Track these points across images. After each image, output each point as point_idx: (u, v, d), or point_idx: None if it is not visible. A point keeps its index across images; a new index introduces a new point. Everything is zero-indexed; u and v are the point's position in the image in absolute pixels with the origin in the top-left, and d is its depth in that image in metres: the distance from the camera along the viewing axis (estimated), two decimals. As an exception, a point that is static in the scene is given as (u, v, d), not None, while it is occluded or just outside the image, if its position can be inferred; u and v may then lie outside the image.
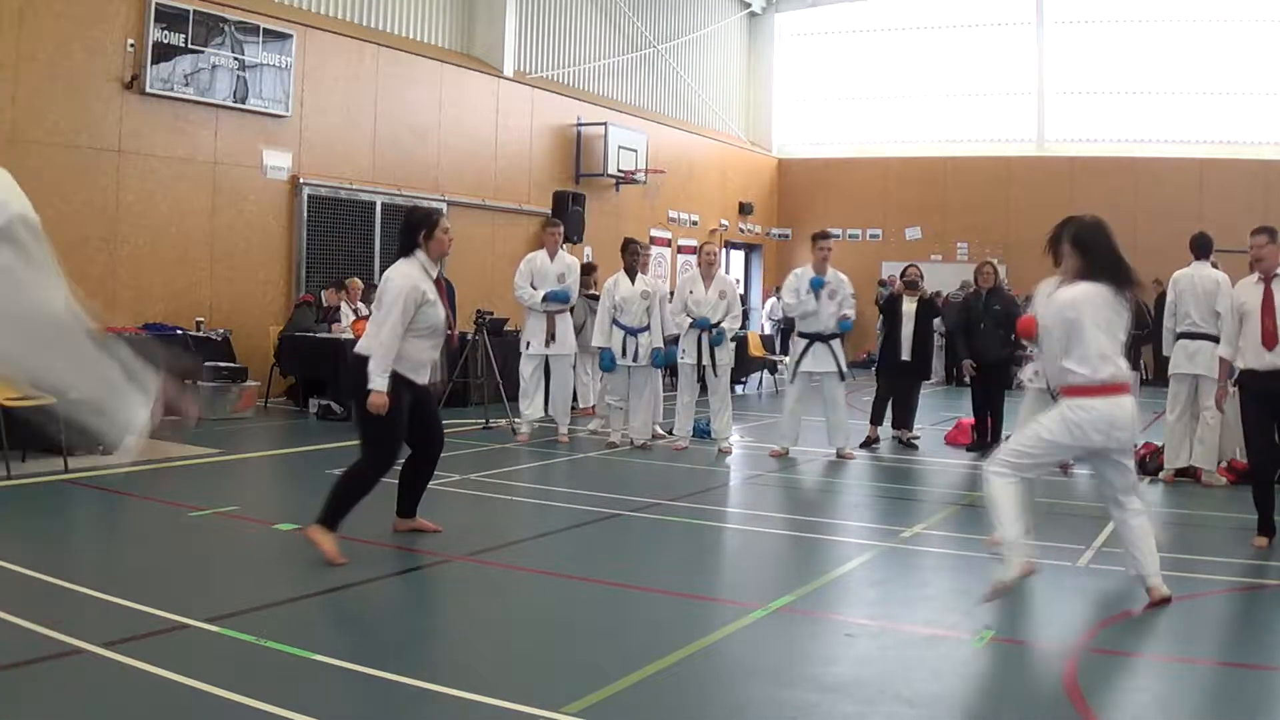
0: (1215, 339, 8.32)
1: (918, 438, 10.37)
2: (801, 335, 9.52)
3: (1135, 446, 9.14)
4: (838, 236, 20.96)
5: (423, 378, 5.62)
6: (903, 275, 10.79)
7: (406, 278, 5.44)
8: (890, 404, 10.42)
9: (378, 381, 5.30)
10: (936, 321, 11.31)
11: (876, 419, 10.33)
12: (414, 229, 5.60)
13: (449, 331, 5.87)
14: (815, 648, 4.39)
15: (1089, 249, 4.84)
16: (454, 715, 3.50)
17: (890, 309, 10.60)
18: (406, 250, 5.61)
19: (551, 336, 9.87)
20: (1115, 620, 4.77)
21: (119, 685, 3.61)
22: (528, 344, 10.02)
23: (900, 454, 9.90)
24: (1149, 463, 8.77)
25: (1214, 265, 8.67)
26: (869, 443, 10.07)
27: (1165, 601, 4.84)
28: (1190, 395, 8.42)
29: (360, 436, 5.60)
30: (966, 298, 10.25)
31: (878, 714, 3.65)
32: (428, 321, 5.48)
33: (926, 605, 5.05)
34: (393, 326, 5.34)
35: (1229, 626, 4.85)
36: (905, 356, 10.19)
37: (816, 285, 9.41)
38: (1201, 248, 8.59)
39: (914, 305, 10.25)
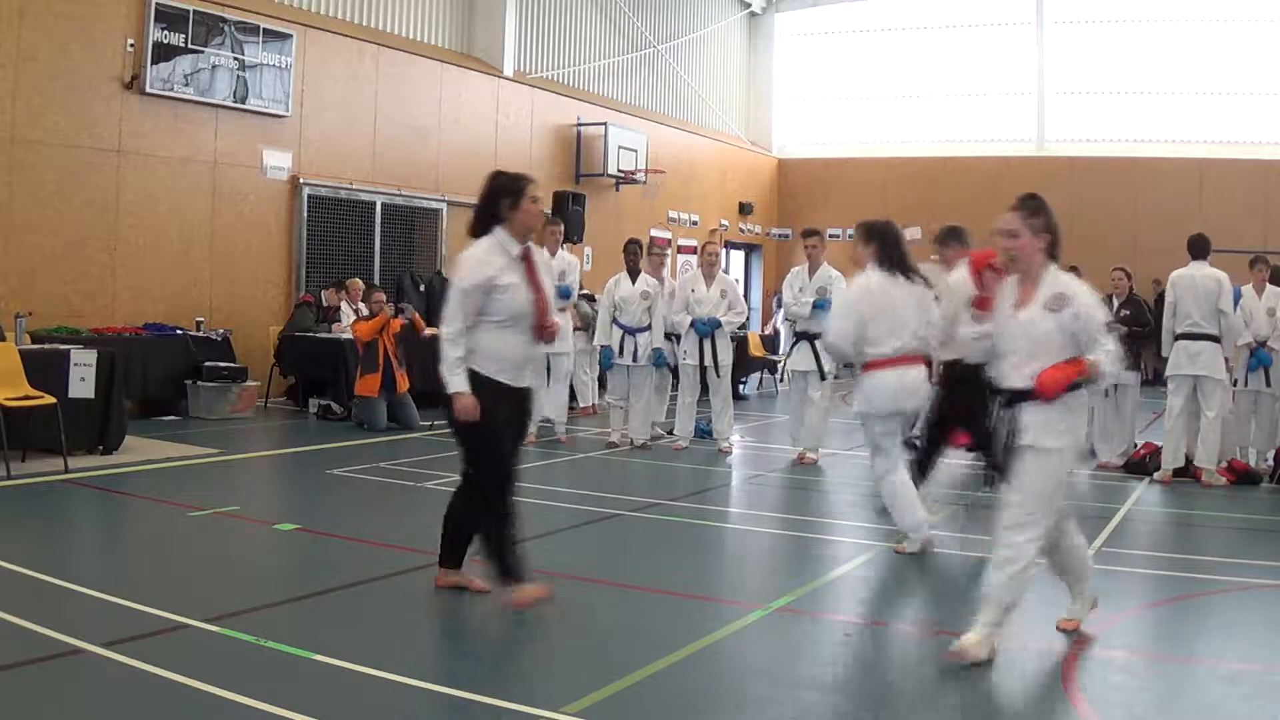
0: (1216, 339, 8.31)
1: (918, 437, 10.34)
2: (796, 334, 9.51)
3: (1135, 446, 9.21)
4: (836, 236, 21.13)
5: (521, 379, 4.66)
6: None
7: (468, 264, 4.56)
8: None
9: (453, 383, 4.49)
10: None
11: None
12: (494, 198, 4.62)
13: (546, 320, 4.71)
14: (815, 648, 4.39)
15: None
16: (454, 715, 3.50)
17: None
18: (485, 225, 4.65)
19: None
20: (1115, 620, 4.77)
21: (119, 685, 3.61)
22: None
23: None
24: (1149, 463, 8.77)
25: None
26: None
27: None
28: (1189, 396, 8.41)
29: (462, 456, 4.73)
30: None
31: (876, 713, 3.65)
32: (506, 310, 4.53)
33: (926, 605, 5.05)
34: (452, 322, 4.51)
35: (1229, 626, 4.85)
36: None
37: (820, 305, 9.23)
38: (1199, 248, 8.58)
39: None
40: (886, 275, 5.93)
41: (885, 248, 6.01)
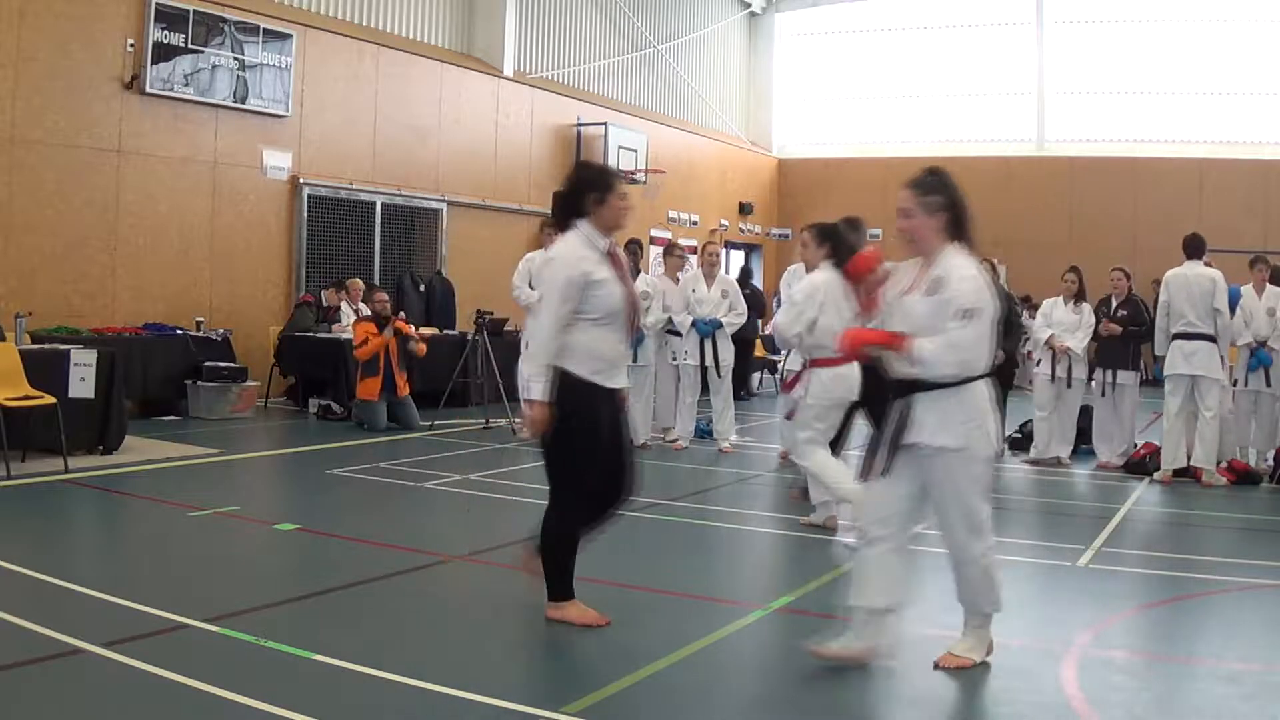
0: (1212, 338, 8.32)
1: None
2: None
3: (1135, 446, 9.21)
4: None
5: (615, 379, 4.40)
6: None
7: (563, 260, 4.29)
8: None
9: (534, 389, 4.23)
10: None
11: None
12: (579, 193, 4.36)
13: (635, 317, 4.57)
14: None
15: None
16: (454, 715, 3.50)
17: None
18: (566, 219, 4.40)
19: None
20: (1115, 620, 4.77)
21: (119, 685, 3.61)
22: (526, 344, 10.01)
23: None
24: (1149, 463, 8.77)
25: (1207, 264, 8.68)
26: None
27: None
28: (1187, 395, 8.41)
29: (546, 466, 4.47)
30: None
31: (877, 713, 3.65)
32: (603, 306, 4.29)
33: (926, 605, 5.04)
34: (549, 322, 4.25)
35: (1229, 626, 4.84)
36: None
37: None
38: (1193, 248, 8.59)
39: None
40: (838, 275, 6.12)
41: (839, 250, 6.21)
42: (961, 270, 3.85)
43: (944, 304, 3.79)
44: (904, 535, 3.99)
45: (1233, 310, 8.53)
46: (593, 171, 4.48)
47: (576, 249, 4.31)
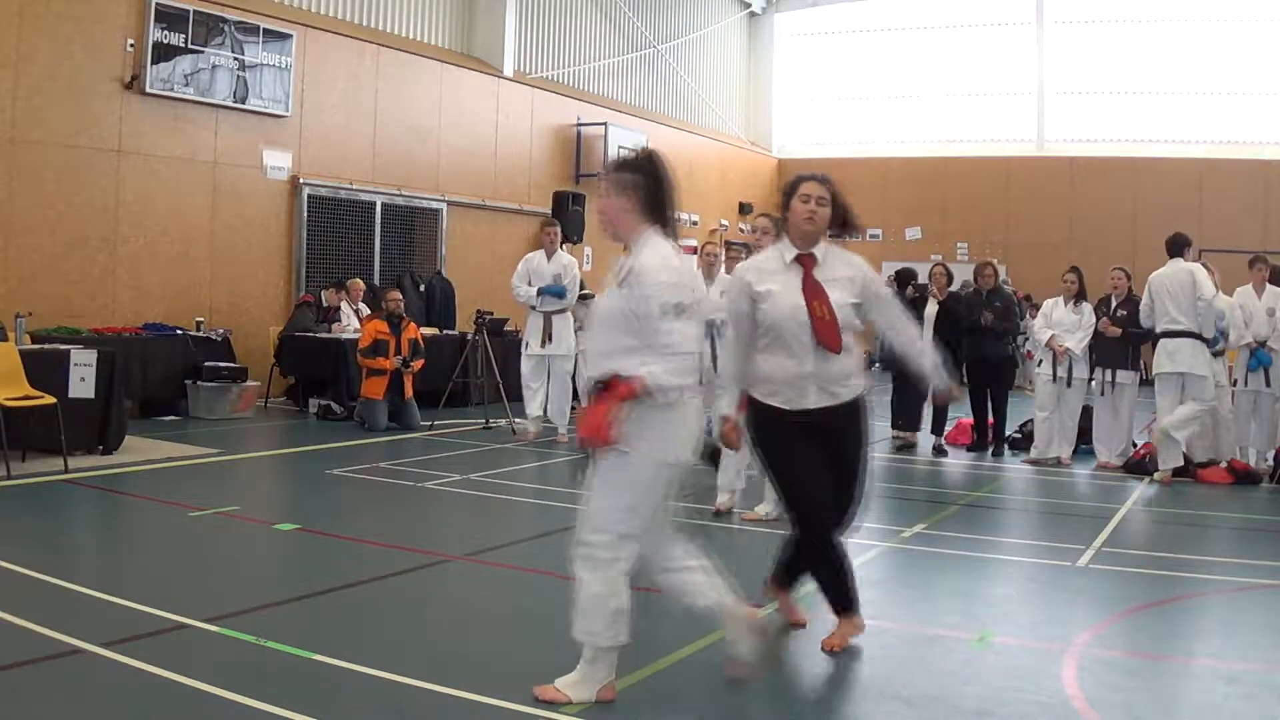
0: (1195, 335, 8.35)
1: (913, 440, 10.31)
2: None
3: (1135, 446, 9.21)
4: (835, 236, 21.04)
5: (794, 401, 4.13)
6: (929, 276, 10.05)
7: None
8: (898, 406, 10.21)
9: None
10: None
11: (911, 425, 10.11)
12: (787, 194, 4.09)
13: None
14: (816, 648, 4.39)
15: None
16: (454, 715, 3.50)
17: (913, 311, 10.03)
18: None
19: (548, 337, 9.89)
20: (1115, 620, 4.77)
21: (119, 685, 3.61)
22: (526, 344, 10.08)
23: (901, 455, 9.87)
24: (1149, 463, 8.77)
25: (1207, 266, 8.69)
26: (908, 447, 10.00)
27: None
28: (1177, 394, 8.43)
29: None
30: (968, 298, 10.20)
31: (878, 714, 3.65)
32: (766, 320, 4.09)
33: (926, 605, 5.05)
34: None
35: (1229, 626, 4.85)
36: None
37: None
38: (1175, 247, 8.63)
39: (934, 309, 9.92)
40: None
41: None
42: (658, 258, 3.35)
43: (640, 300, 3.29)
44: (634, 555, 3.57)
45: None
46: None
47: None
